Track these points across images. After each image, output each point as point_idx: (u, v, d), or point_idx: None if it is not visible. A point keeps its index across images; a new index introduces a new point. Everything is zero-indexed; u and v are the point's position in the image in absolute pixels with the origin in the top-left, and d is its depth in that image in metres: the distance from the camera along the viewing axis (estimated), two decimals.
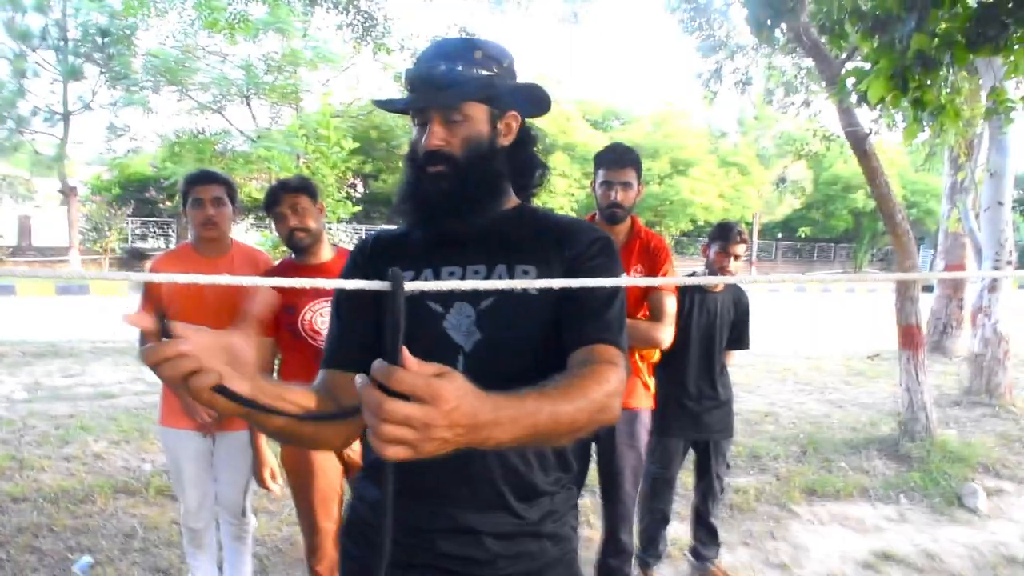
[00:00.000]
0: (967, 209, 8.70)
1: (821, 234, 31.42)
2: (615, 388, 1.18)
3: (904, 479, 5.25)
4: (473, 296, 1.35)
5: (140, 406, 6.50)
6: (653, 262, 2.99)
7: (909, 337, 5.90)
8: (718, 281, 1.01)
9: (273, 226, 3.01)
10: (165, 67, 16.85)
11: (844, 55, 5.75)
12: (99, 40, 19.40)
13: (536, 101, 1.42)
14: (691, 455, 3.74)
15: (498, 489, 1.33)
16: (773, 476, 5.26)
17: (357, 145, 6.49)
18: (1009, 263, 7.43)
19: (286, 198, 2.71)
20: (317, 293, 2.69)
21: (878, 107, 4.67)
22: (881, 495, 5.01)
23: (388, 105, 1.46)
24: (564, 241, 1.38)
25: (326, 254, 2.81)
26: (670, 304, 2.95)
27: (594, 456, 3.16)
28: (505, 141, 1.39)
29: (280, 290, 2.70)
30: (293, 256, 2.84)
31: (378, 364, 0.84)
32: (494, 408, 0.93)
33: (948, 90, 4.26)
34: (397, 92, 21.03)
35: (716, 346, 3.51)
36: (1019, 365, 9.40)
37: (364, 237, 1.54)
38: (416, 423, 0.83)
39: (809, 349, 11.24)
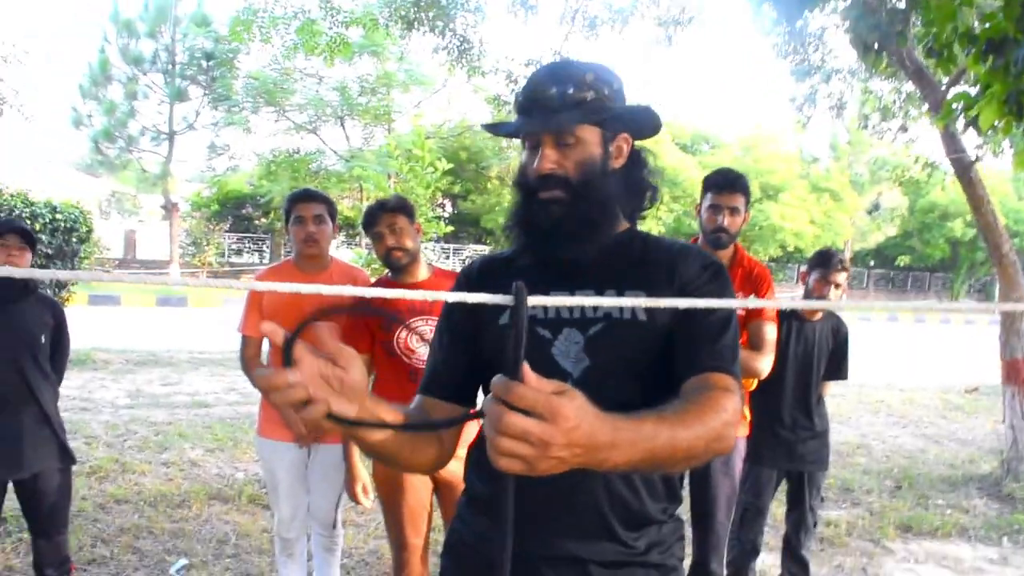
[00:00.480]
0: None
1: (916, 263, 30.26)
2: (731, 417, 1.15)
3: (1007, 520, 4.99)
4: (582, 323, 1.33)
5: (234, 416, 6.73)
6: (756, 289, 2.95)
7: (1014, 372, 5.62)
8: (820, 307, 0.99)
9: (368, 243, 3.09)
10: (264, 89, 17.57)
11: (948, 79, 5.57)
12: (204, 63, 20.40)
13: (646, 123, 1.40)
14: (783, 486, 3.65)
15: (604, 517, 1.31)
16: (866, 510, 5.07)
17: (451, 166, 6.61)
18: None
19: (384, 218, 2.77)
20: (413, 312, 2.73)
21: (981, 134, 4.50)
22: (982, 536, 4.77)
23: (498, 129, 1.46)
24: (675, 267, 1.35)
25: (422, 273, 2.85)
26: (771, 333, 2.90)
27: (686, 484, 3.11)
28: (617, 164, 1.36)
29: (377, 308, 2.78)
30: (389, 275, 2.91)
31: (499, 379, 0.85)
32: (613, 430, 0.92)
33: None
34: (489, 115, 21.32)
35: (813, 376, 3.43)
36: None
37: (472, 260, 1.53)
38: (534, 439, 0.83)
39: (903, 381, 10.80)
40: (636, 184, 1.40)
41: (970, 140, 5.74)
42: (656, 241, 1.42)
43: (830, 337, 3.50)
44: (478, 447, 1.44)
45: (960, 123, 4.42)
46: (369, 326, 2.78)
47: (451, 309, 1.45)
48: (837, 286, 3.33)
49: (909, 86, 8.99)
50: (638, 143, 1.42)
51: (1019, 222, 27.38)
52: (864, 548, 4.47)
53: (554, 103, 1.30)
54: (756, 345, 2.88)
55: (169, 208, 21.82)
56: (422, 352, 2.72)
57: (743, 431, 3.06)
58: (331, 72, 18.38)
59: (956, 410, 8.90)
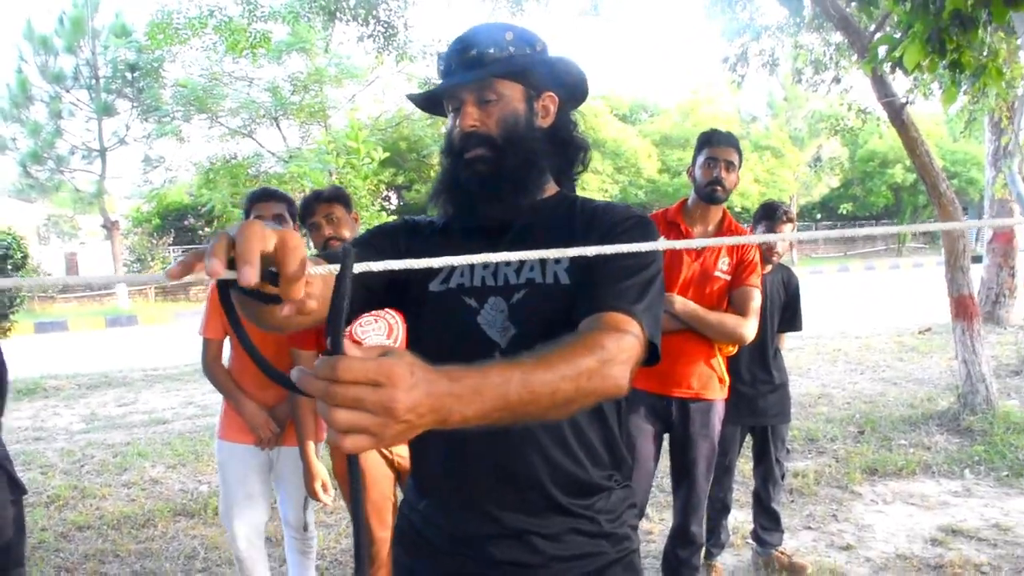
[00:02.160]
0: (1014, 173, 8.42)
1: (861, 212, 30.84)
2: (611, 355, 1.06)
3: (967, 453, 5.11)
4: (506, 291, 1.30)
5: (193, 430, 6.59)
6: (742, 256, 2.94)
7: (963, 308, 5.74)
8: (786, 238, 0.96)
9: (310, 238, 3.03)
10: (194, 96, 17.12)
11: (874, 25, 5.63)
12: (128, 75, 19.81)
13: (573, 84, 1.38)
14: (748, 442, 3.68)
15: (546, 488, 1.28)
16: (832, 458, 5.16)
17: (387, 155, 6.50)
18: None
19: (320, 208, 2.73)
20: None
21: (913, 75, 4.55)
22: (945, 470, 4.88)
23: (421, 97, 1.43)
24: (596, 221, 1.32)
25: None
26: (755, 299, 2.90)
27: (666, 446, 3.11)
28: (543, 123, 1.34)
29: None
30: None
31: (320, 361, 0.75)
32: (449, 380, 0.85)
33: (986, 52, 4.14)
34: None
35: (768, 329, 3.44)
36: None
37: (419, 217, 1.48)
38: (372, 405, 0.75)
39: (858, 328, 11.01)
40: (564, 144, 1.37)
41: (901, 84, 5.83)
42: (583, 202, 1.39)
43: (781, 290, 3.52)
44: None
45: (887, 67, 4.47)
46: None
47: (388, 243, 1.38)
48: (774, 254, 3.34)
49: (838, 37, 9.10)
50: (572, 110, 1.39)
51: (955, 163, 28.06)
52: (833, 495, 4.54)
53: (473, 62, 1.28)
54: (741, 311, 2.87)
55: (109, 227, 21.23)
56: (370, 343, 2.66)
57: (722, 395, 3.06)
58: (261, 73, 18.01)
59: (911, 351, 9.11)
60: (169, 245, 22.06)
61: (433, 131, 20.46)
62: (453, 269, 1.35)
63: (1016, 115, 8.48)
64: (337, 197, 2.77)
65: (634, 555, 1.38)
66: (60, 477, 5.33)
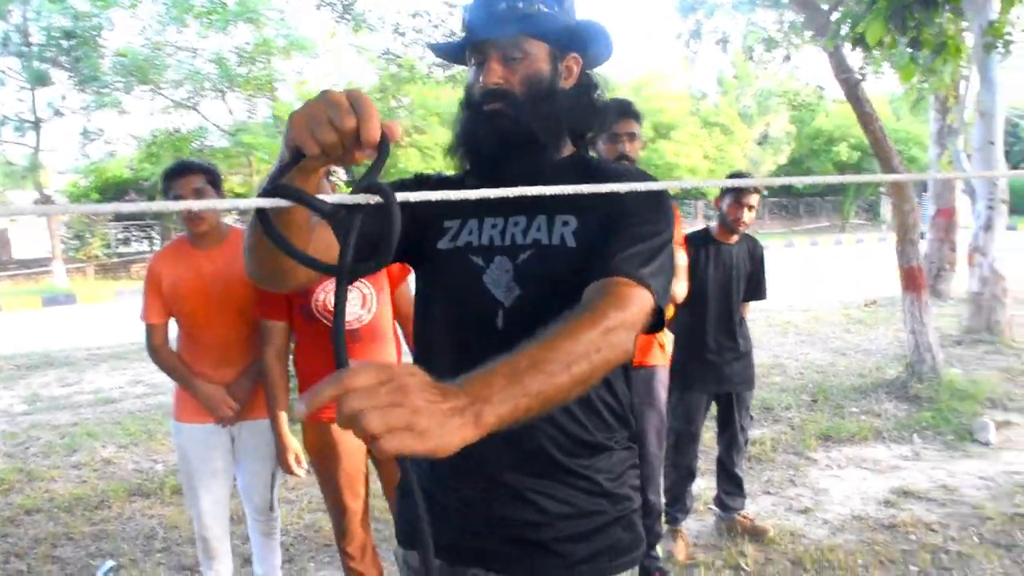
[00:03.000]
0: (958, 151, 8.68)
1: (807, 188, 31.43)
2: (615, 323, 1.05)
3: (916, 419, 5.28)
4: (512, 250, 1.30)
5: (143, 408, 6.43)
6: None
7: (911, 279, 5.90)
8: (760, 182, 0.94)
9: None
10: (135, 66, 16.53)
11: (830, 5, 5.69)
12: (63, 43, 19.02)
13: (598, 46, 1.36)
14: (712, 409, 3.73)
15: (546, 450, 1.29)
16: (787, 426, 5.27)
17: None
18: (1003, 201, 7.44)
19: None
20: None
21: (868, 51, 4.62)
22: (895, 436, 5.03)
23: (445, 47, 1.40)
24: (608, 196, 1.30)
25: None
26: (681, 258, 2.91)
27: None
28: (566, 84, 1.33)
29: None
30: None
31: (329, 379, 0.75)
32: (464, 379, 0.86)
33: (939, 31, 4.22)
34: (376, 75, 20.76)
35: (734, 298, 3.48)
36: (1017, 302, 9.45)
37: (431, 173, 1.48)
38: (394, 395, 0.75)
39: (806, 301, 11.25)
40: (585, 107, 1.36)
41: (854, 62, 5.90)
42: (598, 166, 1.38)
43: (747, 259, 3.55)
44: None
45: (847, 44, 4.53)
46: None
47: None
48: (751, 208, 3.37)
49: (790, 15, 9.20)
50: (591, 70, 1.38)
51: (898, 142, 28.65)
52: (789, 461, 4.65)
53: (502, 16, 1.26)
54: None
55: (44, 202, 20.50)
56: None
57: (664, 360, 3.06)
58: (206, 44, 17.47)
59: (858, 323, 9.34)
60: (109, 221, 21.36)
61: (382, 105, 20.16)
62: (461, 228, 1.34)
63: (960, 94, 8.73)
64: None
65: (634, 515, 1.38)
66: (4, 461, 5.15)
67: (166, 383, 7.43)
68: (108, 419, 6.07)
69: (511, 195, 0.88)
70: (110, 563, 3.58)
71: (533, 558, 1.31)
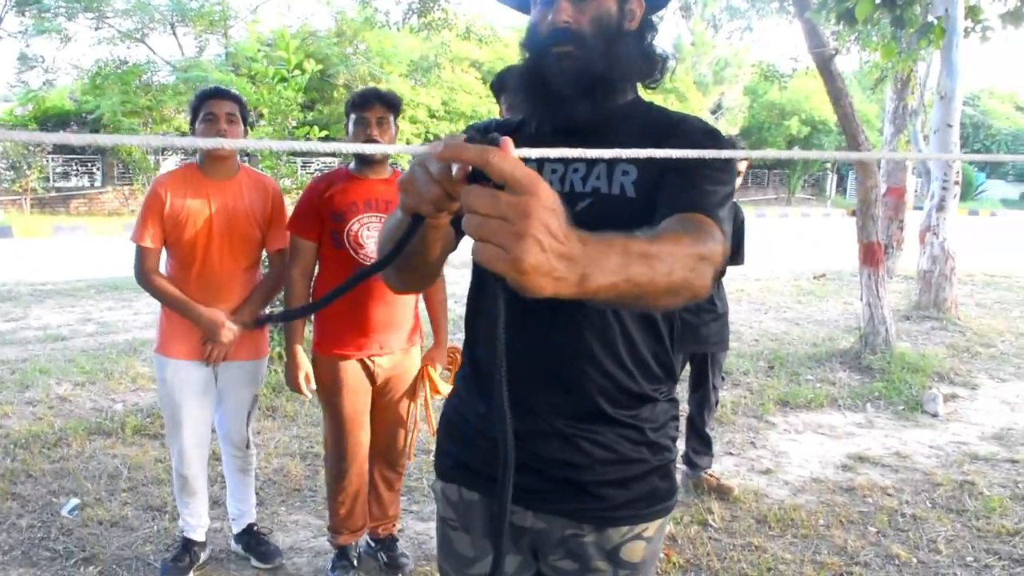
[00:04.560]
0: (917, 132, 8.89)
1: (755, 161, 31.93)
2: (708, 252, 1.03)
3: (869, 389, 5.47)
4: (570, 199, 1.26)
5: (97, 347, 6.26)
6: None
7: (870, 254, 6.06)
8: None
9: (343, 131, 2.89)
10: None
11: None
12: None
13: None
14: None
15: (594, 398, 1.30)
16: (746, 390, 5.41)
17: (320, 67, 6.19)
18: (956, 183, 7.67)
19: (378, 106, 2.63)
20: (368, 206, 2.66)
21: (853, 27, 4.67)
22: (849, 404, 5.21)
23: None
24: (670, 137, 1.28)
25: (388, 171, 2.79)
26: None
27: None
28: (631, 26, 1.31)
29: (332, 197, 2.66)
30: (351, 166, 2.78)
31: (477, 148, 0.76)
32: (582, 240, 0.81)
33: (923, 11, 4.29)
34: (332, 19, 20.14)
35: None
36: (964, 281, 9.82)
37: (486, 120, 1.46)
38: (508, 209, 0.73)
39: (756, 272, 11.48)
40: (647, 51, 1.34)
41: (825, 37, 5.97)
42: (659, 111, 1.37)
43: None
44: (473, 317, 1.42)
45: (831, 17, 4.57)
46: (320, 213, 2.66)
47: None
48: (739, 174, 3.41)
49: None
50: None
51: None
52: (750, 424, 4.78)
53: None
54: None
55: None
56: (371, 249, 2.60)
57: None
58: None
59: (808, 295, 9.59)
60: (49, 153, 20.50)
61: (339, 50, 19.69)
62: None
63: (918, 76, 8.91)
64: (390, 102, 2.67)
65: (671, 465, 1.41)
66: None
67: (119, 322, 7.24)
68: (60, 356, 5.90)
69: (607, 156, 0.86)
70: (74, 501, 3.50)
71: (572, 500, 1.33)
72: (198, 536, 2.96)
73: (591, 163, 1.31)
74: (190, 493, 2.90)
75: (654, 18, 1.38)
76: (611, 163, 1.30)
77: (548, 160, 1.32)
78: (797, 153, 0.99)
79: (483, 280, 1.40)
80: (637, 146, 1.21)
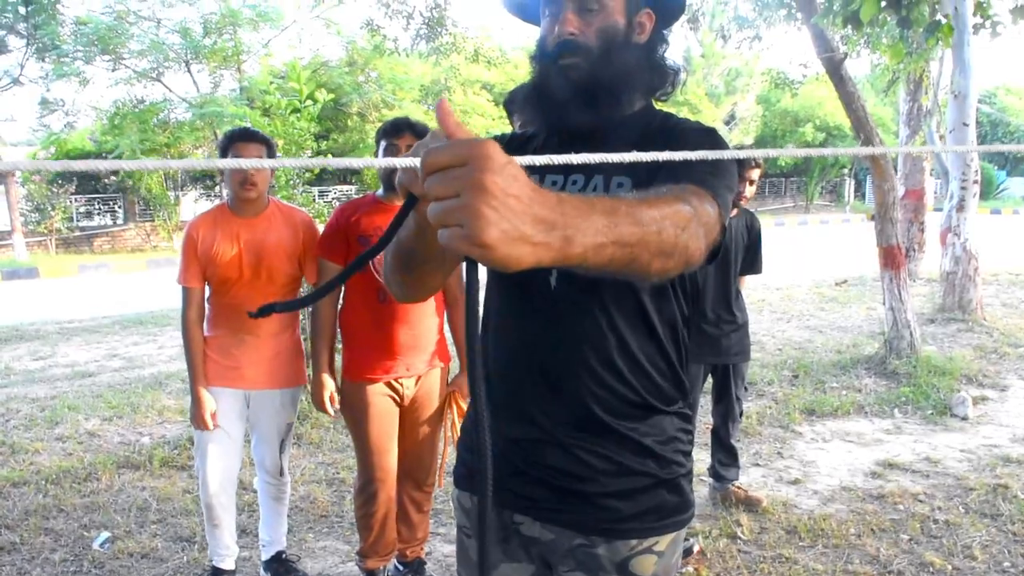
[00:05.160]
0: (932, 132, 8.83)
1: (772, 169, 31.74)
2: (702, 213, 1.00)
3: (895, 394, 5.41)
4: None
5: (123, 382, 6.33)
6: None
7: (891, 257, 6.01)
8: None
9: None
10: (96, 35, 16.11)
11: None
12: (21, 10, 18.42)
13: (672, 3, 1.37)
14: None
15: (590, 408, 1.30)
16: (771, 400, 5.37)
17: (333, 97, 6.26)
18: (976, 182, 7.60)
19: (408, 135, 2.68)
20: None
21: (859, 29, 4.67)
22: (876, 410, 5.15)
23: (516, 2, 1.40)
24: (672, 137, 1.29)
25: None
26: None
27: None
28: (640, 39, 1.33)
29: (359, 222, 2.73)
30: (379, 193, 2.83)
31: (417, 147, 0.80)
32: (558, 198, 0.77)
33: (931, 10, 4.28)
34: (343, 48, 20.37)
35: (732, 270, 3.54)
36: (988, 281, 9.69)
37: (499, 135, 1.48)
38: (458, 186, 0.69)
39: (777, 280, 11.40)
40: (657, 63, 1.35)
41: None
42: (665, 118, 1.37)
43: (745, 233, 3.60)
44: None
45: (835, 22, 4.56)
46: (347, 236, 2.73)
47: None
48: (752, 183, 3.41)
49: None
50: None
51: None
52: (776, 434, 4.74)
53: None
54: None
55: (2, 174, 19.90)
56: None
57: None
58: (170, 13, 17.11)
59: (831, 301, 9.50)
60: (72, 194, 20.86)
61: (351, 79, 19.91)
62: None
63: (931, 77, 8.86)
64: (414, 130, 2.72)
65: (683, 479, 1.39)
66: None
67: (144, 356, 7.32)
68: (88, 392, 5.97)
69: (615, 160, 0.86)
70: (105, 534, 3.54)
71: (578, 511, 1.33)
72: (227, 565, 2.99)
73: (589, 174, 1.32)
74: (216, 524, 2.94)
75: (665, 31, 1.40)
76: (608, 175, 1.31)
77: (549, 172, 1.33)
78: (810, 151, 0.98)
79: (488, 283, 1.42)
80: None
